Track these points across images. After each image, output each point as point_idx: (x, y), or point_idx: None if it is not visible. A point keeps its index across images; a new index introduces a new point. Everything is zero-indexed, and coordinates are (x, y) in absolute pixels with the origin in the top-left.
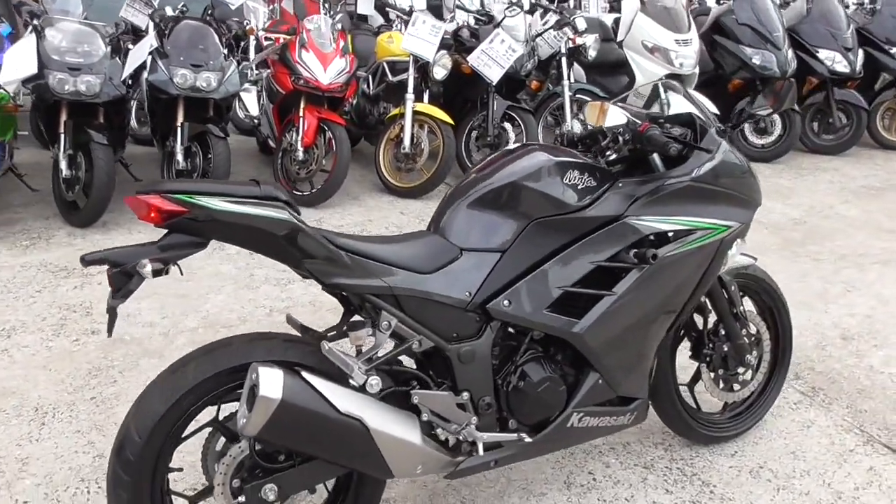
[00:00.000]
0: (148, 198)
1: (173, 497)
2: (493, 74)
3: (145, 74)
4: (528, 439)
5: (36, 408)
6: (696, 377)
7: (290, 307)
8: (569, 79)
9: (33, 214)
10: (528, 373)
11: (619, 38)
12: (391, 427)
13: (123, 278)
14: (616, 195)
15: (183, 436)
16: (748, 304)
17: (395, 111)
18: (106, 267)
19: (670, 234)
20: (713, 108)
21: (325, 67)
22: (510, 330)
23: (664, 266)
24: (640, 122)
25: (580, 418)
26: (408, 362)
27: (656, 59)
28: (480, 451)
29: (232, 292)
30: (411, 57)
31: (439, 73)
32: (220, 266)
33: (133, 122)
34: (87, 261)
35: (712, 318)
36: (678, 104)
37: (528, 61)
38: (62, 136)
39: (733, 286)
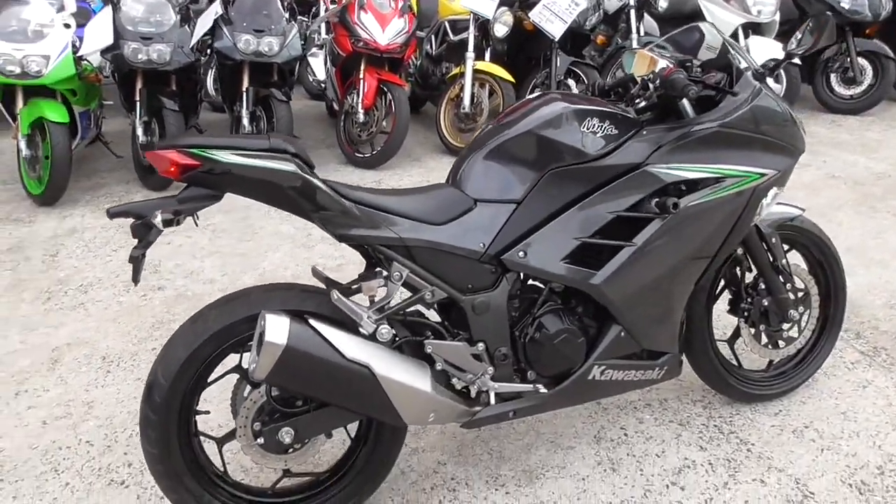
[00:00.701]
0: (165, 152)
1: (202, 438)
2: (556, 30)
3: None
4: (547, 391)
5: (103, 357)
6: (737, 333)
7: (343, 265)
8: (638, 32)
9: (116, 179)
10: (545, 324)
11: None
12: (400, 374)
13: (144, 229)
14: (639, 143)
15: (209, 380)
16: (796, 258)
17: (455, 70)
18: (130, 219)
19: (698, 182)
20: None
21: (383, 28)
22: (529, 282)
23: (689, 215)
24: (667, 66)
25: (602, 371)
26: (431, 315)
27: (732, 6)
28: (495, 401)
29: (289, 251)
30: (472, 15)
31: (500, 30)
32: (279, 226)
33: (210, 90)
34: (111, 213)
35: (752, 271)
36: (716, 48)
37: (593, 15)
38: (137, 103)
39: (774, 238)
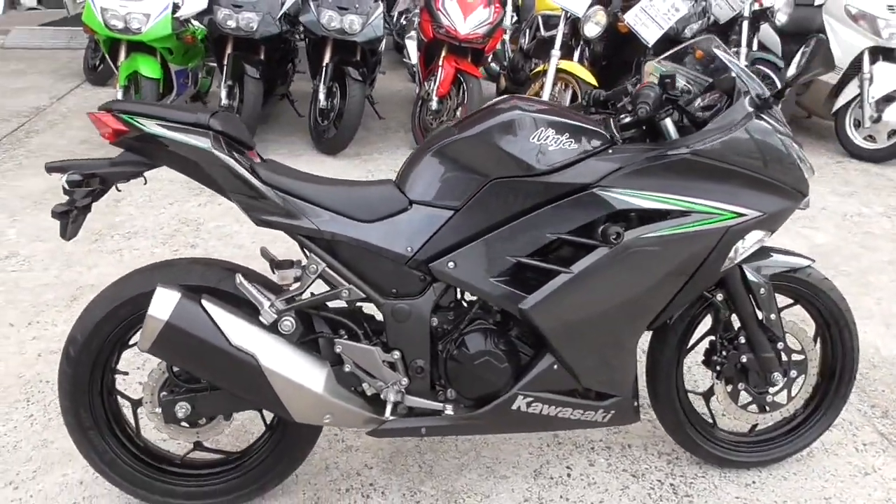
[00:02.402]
0: (101, 115)
1: (119, 397)
2: (650, 35)
3: None
4: (464, 413)
5: None
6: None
7: None
8: (749, 46)
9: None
10: (467, 343)
11: (818, 0)
12: (289, 370)
13: (71, 188)
14: (598, 162)
15: (128, 343)
16: (796, 314)
17: (540, 67)
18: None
19: (659, 214)
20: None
21: (465, 17)
22: (468, 296)
23: (639, 250)
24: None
25: (529, 403)
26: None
27: (860, 27)
28: (407, 415)
29: None
30: (563, 11)
31: (591, 30)
32: None
33: None
34: (49, 168)
35: (732, 321)
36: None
37: (696, 22)
38: (225, 67)
39: (764, 289)
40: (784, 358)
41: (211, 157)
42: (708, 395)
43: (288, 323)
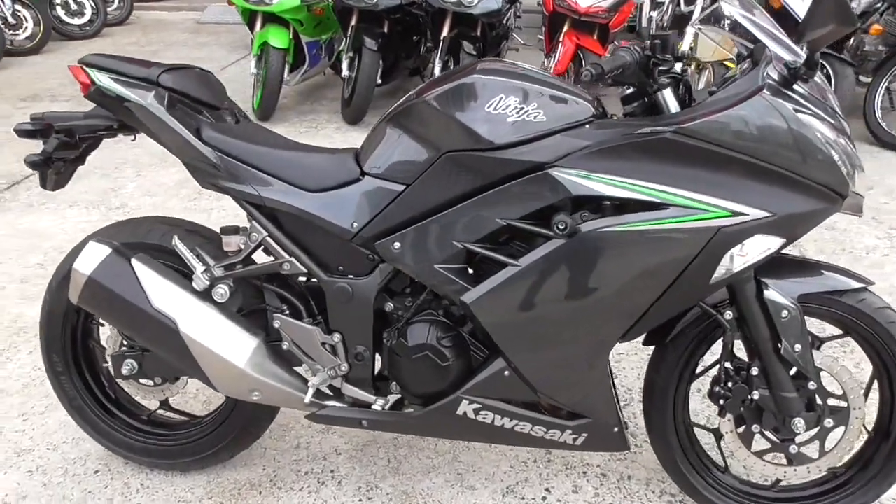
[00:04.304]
0: (75, 67)
1: (96, 347)
2: (803, 10)
3: None
4: (400, 411)
5: None
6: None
7: None
8: None
9: (329, 109)
10: (409, 333)
11: None
12: (211, 340)
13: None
14: (566, 139)
15: None
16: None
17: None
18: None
19: (628, 204)
20: None
21: None
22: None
23: (596, 246)
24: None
25: (476, 410)
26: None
27: None
28: (348, 404)
29: None
30: None
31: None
32: None
33: None
34: (32, 117)
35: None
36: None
37: None
38: (346, 39)
39: (787, 312)
40: (817, 401)
41: (147, 113)
42: (719, 432)
43: (222, 290)
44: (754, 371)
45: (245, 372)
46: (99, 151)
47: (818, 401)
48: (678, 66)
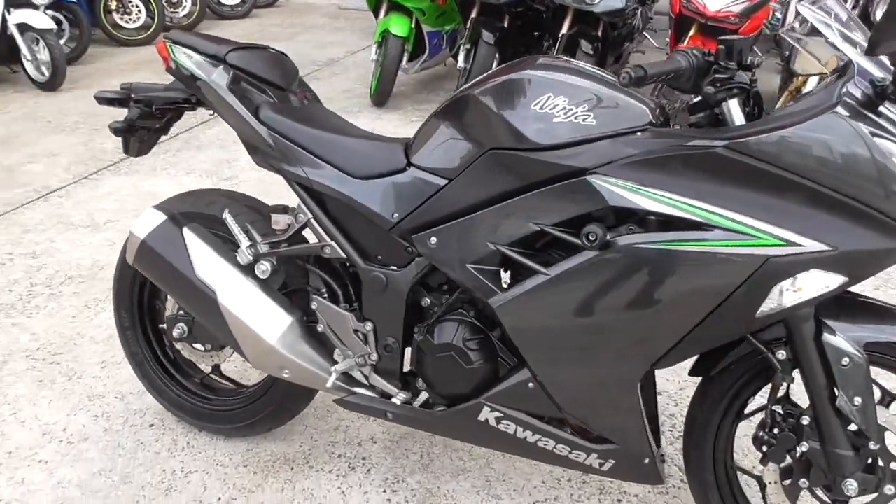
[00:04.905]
0: (160, 43)
1: (160, 306)
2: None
3: None
4: (429, 410)
5: None
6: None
7: None
8: None
9: (444, 99)
10: (436, 331)
11: None
12: (247, 314)
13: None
14: (612, 145)
15: None
16: None
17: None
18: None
19: (671, 222)
20: None
21: None
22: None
23: (632, 262)
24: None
25: (498, 419)
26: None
27: None
28: (375, 393)
29: None
30: None
31: None
32: None
33: None
34: (121, 86)
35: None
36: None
37: None
38: (466, 31)
39: (849, 360)
40: (879, 464)
41: (210, 89)
42: (763, 482)
43: (264, 267)
44: (805, 420)
45: (275, 348)
46: (221, 125)
47: (880, 463)
48: (743, 76)
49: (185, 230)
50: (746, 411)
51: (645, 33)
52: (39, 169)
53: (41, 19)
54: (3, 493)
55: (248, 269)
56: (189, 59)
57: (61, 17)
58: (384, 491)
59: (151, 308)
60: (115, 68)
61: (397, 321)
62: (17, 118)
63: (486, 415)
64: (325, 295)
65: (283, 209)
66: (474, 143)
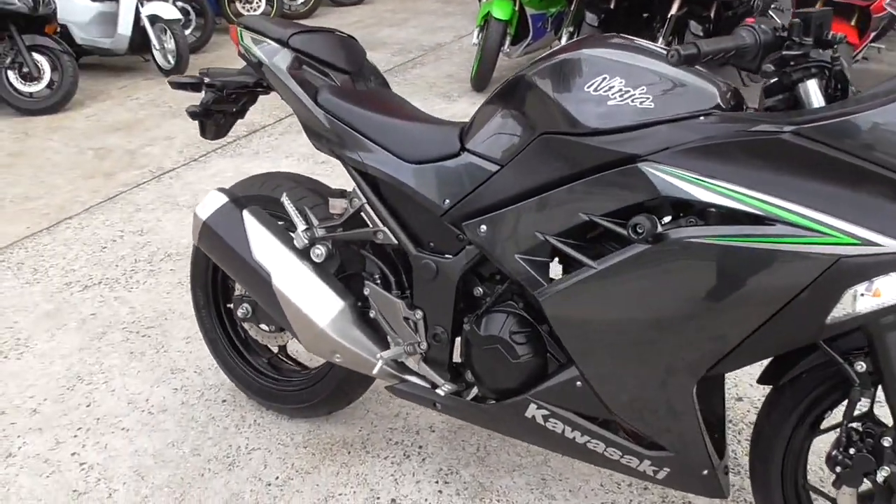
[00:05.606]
0: (233, 28)
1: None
2: None
3: None
4: (476, 402)
5: None
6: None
7: None
8: None
9: None
10: (484, 323)
11: None
12: (299, 297)
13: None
14: (670, 129)
15: None
16: None
17: None
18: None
19: (730, 215)
20: None
21: None
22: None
23: (684, 258)
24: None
25: (545, 417)
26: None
27: None
28: (424, 382)
29: None
30: None
31: None
32: None
33: None
34: (199, 72)
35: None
36: None
37: None
38: (570, 13)
39: None
40: None
41: (268, 71)
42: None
43: (319, 251)
44: (887, 442)
45: (326, 332)
46: None
47: None
48: (821, 54)
49: (245, 213)
50: (823, 426)
51: (771, 13)
52: (157, 152)
53: (170, 10)
54: (88, 457)
55: (304, 253)
56: (253, 43)
57: (189, 8)
58: (437, 482)
59: (225, 288)
60: (236, 56)
61: (447, 310)
62: (144, 104)
63: (533, 412)
64: (378, 281)
65: (341, 193)
66: (526, 127)
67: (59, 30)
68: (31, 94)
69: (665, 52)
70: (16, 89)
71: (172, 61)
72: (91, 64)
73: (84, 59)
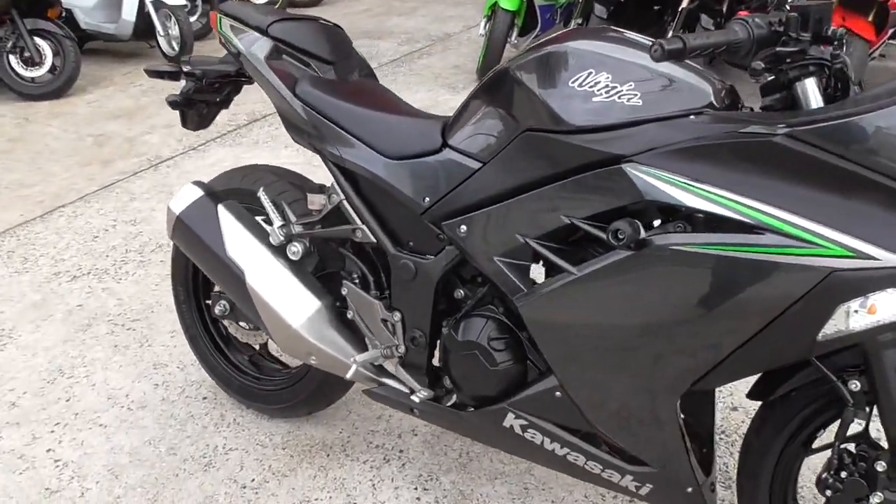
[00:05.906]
0: (213, 14)
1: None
2: None
3: None
4: (454, 409)
5: None
6: None
7: None
8: None
9: None
10: (462, 327)
11: None
12: (272, 296)
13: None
14: (657, 129)
15: None
16: None
17: None
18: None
19: (717, 221)
20: None
21: None
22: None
23: (668, 266)
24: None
25: (523, 427)
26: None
27: None
28: (402, 386)
29: None
30: None
31: None
32: None
33: None
34: (181, 62)
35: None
36: None
37: None
38: (579, 4)
39: None
40: None
41: (246, 61)
42: None
43: (296, 248)
44: (881, 466)
45: (300, 333)
46: None
47: None
48: (821, 50)
49: (220, 207)
50: (815, 445)
51: (787, 6)
52: (155, 140)
53: None
54: (64, 454)
55: (280, 250)
56: (233, 32)
57: None
58: (416, 488)
59: (206, 283)
60: None
61: (425, 313)
62: (146, 91)
63: (511, 421)
64: (357, 281)
65: (319, 189)
66: (509, 123)
67: (63, 14)
68: (32, 78)
69: (647, 41)
70: (17, 74)
71: (177, 48)
72: (96, 49)
73: (89, 45)
